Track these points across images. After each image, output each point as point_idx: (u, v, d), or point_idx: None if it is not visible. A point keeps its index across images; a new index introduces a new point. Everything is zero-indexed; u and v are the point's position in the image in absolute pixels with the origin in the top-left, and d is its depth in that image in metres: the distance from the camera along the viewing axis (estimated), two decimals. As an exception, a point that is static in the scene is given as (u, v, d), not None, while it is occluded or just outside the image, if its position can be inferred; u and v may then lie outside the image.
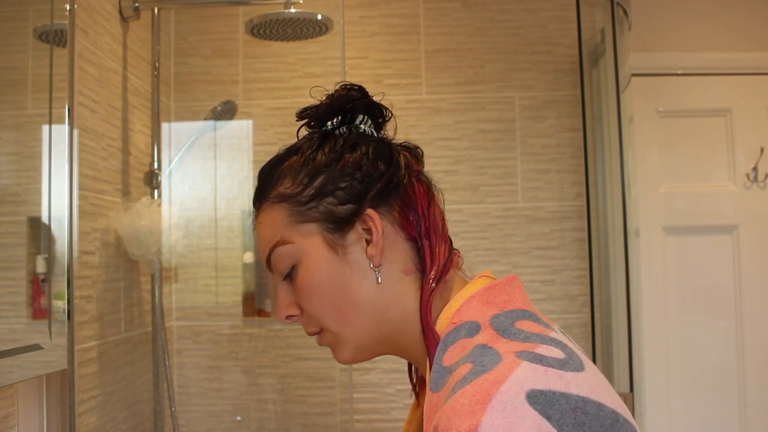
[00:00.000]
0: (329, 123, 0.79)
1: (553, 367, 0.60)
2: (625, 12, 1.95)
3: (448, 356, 0.65)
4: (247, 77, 2.07)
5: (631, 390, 1.72)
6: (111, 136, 1.63)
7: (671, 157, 2.28)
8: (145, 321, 1.82)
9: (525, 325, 0.66)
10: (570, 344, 0.66)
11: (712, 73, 2.28)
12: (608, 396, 0.61)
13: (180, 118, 2.06)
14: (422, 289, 0.72)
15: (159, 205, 1.70)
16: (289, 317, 0.76)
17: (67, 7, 1.29)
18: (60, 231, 1.26)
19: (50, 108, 1.25)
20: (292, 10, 1.68)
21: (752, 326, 2.24)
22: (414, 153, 0.81)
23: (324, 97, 0.80)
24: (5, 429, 1.17)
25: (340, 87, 0.80)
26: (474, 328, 0.66)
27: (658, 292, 2.24)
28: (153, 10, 1.83)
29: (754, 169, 2.26)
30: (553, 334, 0.65)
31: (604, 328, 1.93)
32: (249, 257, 2.05)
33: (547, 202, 2.05)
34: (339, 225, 0.72)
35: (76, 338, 1.41)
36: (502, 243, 2.02)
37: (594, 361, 1.84)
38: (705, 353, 2.24)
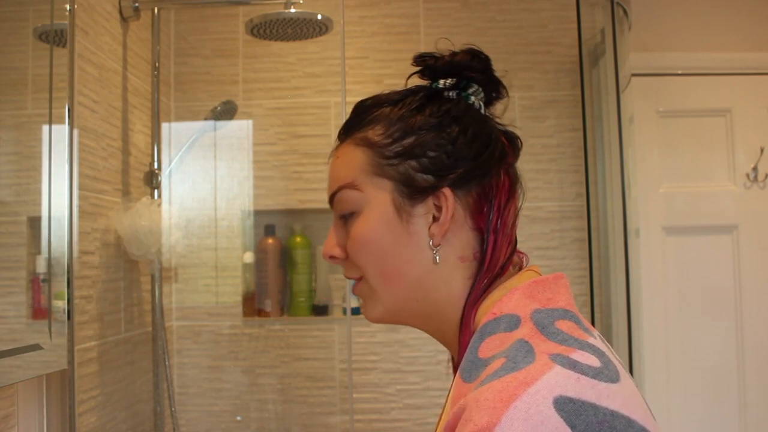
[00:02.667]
0: (442, 81, 0.75)
1: (586, 375, 0.58)
2: (625, 12, 1.95)
3: (485, 348, 0.64)
4: (247, 77, 2.07)
5: (631, 390, 1.72)
6: (111, 136, 1.63)
7: (671, 157, 2.28)
8: (145, 321, 1.82)
9: (564, 326, 0.64)
10: (608, 352, 0.63)
11: (712, 73, 2.28)
12: (639, 411, 0.59)
13: (180, 118, 2.06)
14: (474, 284, 0.70)
15: (159, 205, 1.70)
16: (332, 258, 0.75)
17: (67, 7, 1.29)
18: (60, 231, 1.26)
19: (50, 108, 1.25)
20: (292, 10, 1.68)
21: (752, 326, 2.24)
22: (513, 142, 0.79)
23: (447, 53, 0.75)
24: (5, 429, 1.17)
25: (466, 51, 0.75)
26: (514, 322, 0.64)
27: (658, 292, 2.24)
28: (153, 10, 1.83)
29: (754, 169, 2.26)
30: (591, 340, 0.63)
31: (604, 328, 1.92)
32: (249, 257, 2.05)
33: (547, 202, 2.05)
34: (412, 192, 0.70)
35: (76, 338, 1.41)
36: (502, 243, 2.02)
37: (594, 361, 1.85)
38: (705, 353, 2.24)
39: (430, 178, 0.70)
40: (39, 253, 1.25)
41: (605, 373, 0.59)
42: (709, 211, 2.28)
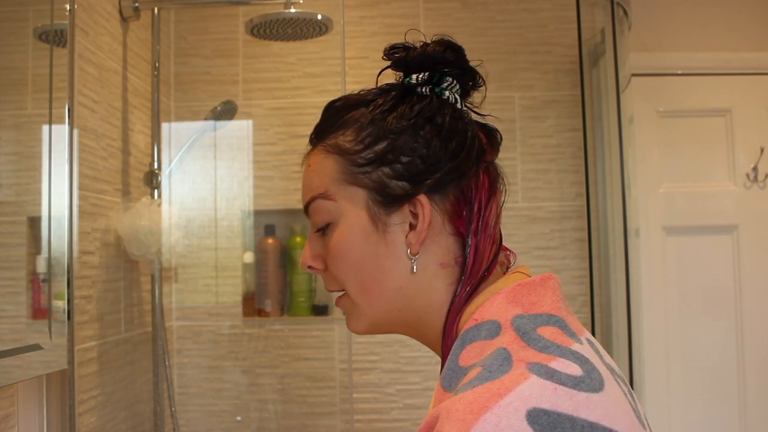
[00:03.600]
0: (414, 77, 0.72)
1: (564, 385, 0.55)
2: (625, 12, 1.95)
3: (465, 356, 0.62)
4: (247, 77, 2.07)
5: (631, 390, 1.72)
6: (111, 136, 1.63)
7: (671, 157, 2.28)
8: (145, 321, 1.82)
9: (547, 332, 0.60)
10: (594, 358, 0.60)
11: (712, 73, 2.28)
12: (624, 421, 0.57)
13: (180, 118, 2.06)
14: (456, 290, 0.67)
15: (159, 205, 1.70)
16: (310, 268, 0.73)
17: (67, 7, 1.29)
18: (60, 231, 1.26)
19: (50, 108, 1.25)
20: (292, 10, 1.68)
21: (752, 326, 2.24)
22: (491, 137, 0.74)
23: (419, 45, 0.72)
24: (5, 429, 1.17)
25: (438, 42, 0.72)
26: (495, 329, 0.61)
27: (658, 292, 2.24)
28: (153, 10, 1.83)
29: (754, 169, 2.26)
30: (576, 346, 0.60)
31: (604, 328, 1.92)
32: (249, 257, 2.05)
33: (547, 202, 2.05)
34: (387, 200, 0.67)
35: (76, 338, 1.41)
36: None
37: (594, 361, 1.85)
38: (705, 353, 2.24)
39: (405, 185, 0.67)
40: (39, 253, 1.25)
41: (586, 383, 0.56)
42: (709, 211, 2.28)
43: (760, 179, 2.26)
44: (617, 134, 1.82)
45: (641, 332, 1.97)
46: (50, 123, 1.25)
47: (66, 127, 1.27)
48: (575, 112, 2.04)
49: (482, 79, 0.76)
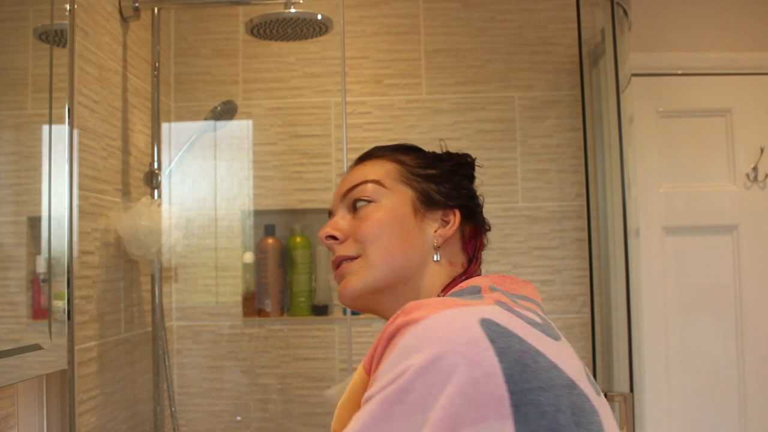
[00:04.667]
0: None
1: (521, 319, 0.63)
2: (625, 12, 1.94)
3: None
4: (247, 77, 2.07)
5: (631, 390, 1.72)
6: (111, 136, 1.63)
7: (671, 157, 2.28)
8: (145, 321, 1.82)
9: (521, 303, 0.71)
10: (559, 343, 0.66)
11: (712, 73, 2.28)
12: (571, 367, 0.62)
13: (180, 118, 2.06)
14: (454, 278, 0.83)
15: (159, 205, 1.70)
16: (329, 237, 0.85)
17: (67, 7, 1.29)
18: (60, 231, 1.26)
19: (50, 108, 1.25)
20: (292, 10, 1.68)
21: (752, 326, 2.24)
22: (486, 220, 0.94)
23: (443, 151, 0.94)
24: (5, 429, 1.17)
25: (461, 158, 0.94)
26: (475, 291, 0.74)
27: (658, 292, 2.24)
28: (153, 10, 1.83)
29: (754, 169, 2.26)
30: (543, 323, 0.67)
31: (604, 328, 1.92)
32: (249, 257, 2.05)
33: (547, 202, 2.05)
34: (429, 203, 0.85)
35: (76, 338, 1.41)
36: (502, 243, 2.02)
37: (594, 361, 1.85)
38: (705, 353, 2.24)
39: (442, 199, 0.86)
40: (39, 253, 1.25)
41: (543, 327, 0.64)
42: (709, 211, 2.28)
43: (760, 179, 2.26)
44: (617, 134, 1.82)
45: (641, 332, 1.96)
46: (50, 123, 1.25)
47: (66, 127, 1.28)
48: (575, 112, 2.04)
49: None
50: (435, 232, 0.84)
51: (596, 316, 1.89)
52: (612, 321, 1.91)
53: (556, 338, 0.65)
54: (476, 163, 0.97)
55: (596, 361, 1.85)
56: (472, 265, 0.87)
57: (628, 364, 1.76)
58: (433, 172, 0.88)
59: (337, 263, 0.85)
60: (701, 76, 2.28)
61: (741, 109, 2.28)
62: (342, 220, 0.86)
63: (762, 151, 2.26)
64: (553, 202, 2.05)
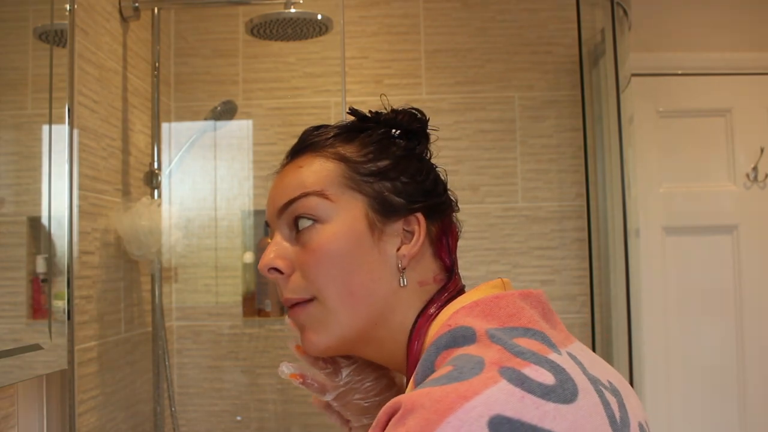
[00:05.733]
0: (393, 131, 0.75)
1: (534, 393, 0.54)
2: (625, 12, 1.94)
3: (440, 361, 0.61)
4: (247, 77, 2.07)
5: (631, 390, 1.72)
6: (111, 136, 1.63)
7: (671, 157, 2.28)
8: (145, 321, 1.82)
9: (523, 342, 0.60)
10: (573, 369, 0.59)
11: (712, 73, 2.28)
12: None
13: (180, 118, 2.06)
14: (430, 299, 0.70)
15: (159, 205, 1.70)
16: (273, 270, 0.71)
17: (67, 7, 1.29)
18: (60, 231, 1.26)
19: (50, 108, 1.25)
20: (292, 10, 1.68)
21: (752, 326, 2.24)
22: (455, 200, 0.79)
23: (389, 109, 0.76)
24: (5, 429, 1.17)
25: (406, 111, 0.77)
26: (470, 336, 0.61)
27: (658, 292, 2.24)
28: (153, 10, 1.83)
29: (754, 169, 2.26)
30: (553, 356, 0.59)
31: (604, 328, 1.92)
32: (249, 257, 2.05)
33: (547, 202, 2.05)
34: (386, 210, 0.69)
35: (76, 338, 1.41)
36: (502, 243, 2.02)
37: (594, 361, 1.85)
38: (705, 353, 2.24)
39: (403, 201, 0.70)
40: (39, 253, 1.25)
41: (557, 393, 0.55)
42: (709, 211, 2.28)
43: (760, 179, 2.26)
44: (617, 134, 1.82)
45: (641, 332, 1.97)
46: (50, 123, 1.25)
47: (66, 127, 1.27)
48: (575, 112, 2.04)
49: (429, 142, 0.80)
50: (398, 251, 0.69)
51: (596, 316, 1.89)
52: (612, 321, 1.91)
53: (573, 396, 0.56)
54: (430, 127, 0.79)
55: (596, 361, 1.85)
56: (451, 281, 0.71)
57: (628, 364, 1.76)
58: (385, 163, 0.71)
59: (289, 305, 0.72)
60: (701, 76, 2.28)
61: (741, 109, 2.28)
62: (284, 245, 0.71)
63: (762, 151, 2.26)
64: (553, 202, 2.05)
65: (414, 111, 0.77)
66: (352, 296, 0.68)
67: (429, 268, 0.71)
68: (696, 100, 2.28)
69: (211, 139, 2.04)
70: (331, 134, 0.73)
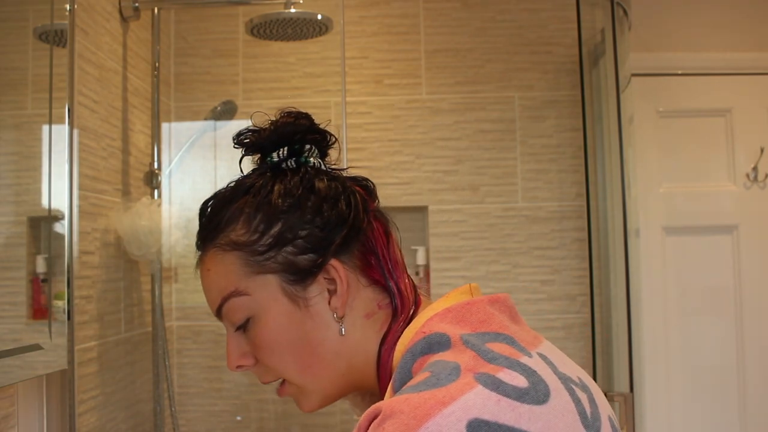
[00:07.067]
0: (275, 155, 0.74)
1: (509, 396, 0.56)
2: (625, 12, 1.94)
3: (417, 367, 0.63)
4: (247, 77, 2.07)
5: (631, 390, 1.72)
6: (111, 136, 1.63)
7: (671, 157, 2.28)
8: (145, 321, 1.82)
9: (496, 347, 0.62)
10: (544, 371, 0.61)
11: (712, 73, 2.28)
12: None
13: (180, 118, 2.06)
14: (390, 327, 0.69)
15: (159, 205, 1.70)
16: (241, 367, 0.74)
17: (67, 7, 1.29)
18: (60, 231, 1.26)
19: (50, 108, 1.25)
20: (292, 10, 1.68)
21: (752, 326, 2.24)
22: (366, 188, 0.77)
23: (267, 124, 0.74)
24: (5, 429, 1.17)
25: (286, 114, 0.74)
26: (445, 343, 0.62)
27: (658, 292, 2.24)
28: (153, 10, 1.83)
29: (754, 169, 2.26)
30: (524, 359, 0.61)
31: (604, 328, 1.92)
32: (249, 257, 2.04)
33: (547, 202, 2.05)
34: (300, 276, 0.69)
35: (76, 338, 1.41)
36: (502, 243, 2.02)
37: (594, 361, 1.85)
38: (705, 353, 2.24)
39: (312, 256, 0.69)
40: (39, 253, 1.25)
41: (531, 395, 0.57)
42: (709, 211, 2.28)
43: (760, 179, 2.26)
44: (617, 134, 1.82)
45: (641, 332, 1.96)
46: (50, 123, 1.25)
47: (66, 127, 1.27)
48: (575, 112, 2.04)
49: (334, 136, 0.78)
50: (330, 305, 0.69)
51: (596, 315, 1.89)
52: (612, 321, 1.91)
53: (545, 397, 0.58)
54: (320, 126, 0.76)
55: (596, 361, 1.85)
56: (400, 302, 0.70)
57: (628, 364, 1.76)
58: (277, 228, 0.69)
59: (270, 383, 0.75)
60: (701, 76, 2.28)
61: (741, 109, 2.28)
62: (239, 339, 0.73)
63: (762, 151, 2.26)
64: (553, 202, 2.05)
65: (296, 115, 0.74)
66: (309, 369, 0.70)
67: (369, 299, 0.71)
68: (696, 100, 2.28)
69: (211, 139, 2.04)
70: (219, 218, 0.72)
